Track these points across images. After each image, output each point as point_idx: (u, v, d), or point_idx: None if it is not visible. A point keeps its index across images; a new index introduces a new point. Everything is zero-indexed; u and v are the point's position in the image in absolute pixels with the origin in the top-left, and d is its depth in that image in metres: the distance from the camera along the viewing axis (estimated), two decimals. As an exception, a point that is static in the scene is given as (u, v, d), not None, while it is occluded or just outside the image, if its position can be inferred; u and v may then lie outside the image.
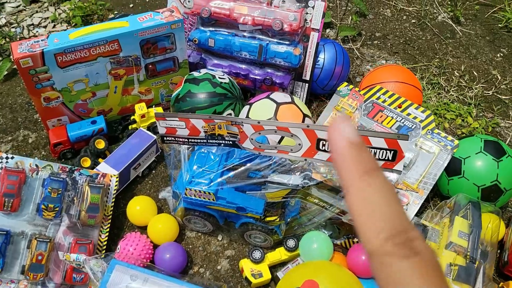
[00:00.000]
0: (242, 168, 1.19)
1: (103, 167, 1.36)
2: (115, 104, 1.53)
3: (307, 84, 1.60)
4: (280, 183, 1.17)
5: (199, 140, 1.25)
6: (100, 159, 1.43)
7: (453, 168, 1.32)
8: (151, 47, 1.45)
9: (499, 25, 2.01)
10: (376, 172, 0.27)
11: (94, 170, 1.34)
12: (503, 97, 1.72)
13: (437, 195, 1.44)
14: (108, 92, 1.49)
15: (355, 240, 1.28)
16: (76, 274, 1.20)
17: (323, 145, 1.15)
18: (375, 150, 1.14)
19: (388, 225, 0.26)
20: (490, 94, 1.73)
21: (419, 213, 1.35)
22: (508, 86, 1.76)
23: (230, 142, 1.23)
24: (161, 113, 1.21)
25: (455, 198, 1.20)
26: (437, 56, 1.86)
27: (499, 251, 1.33)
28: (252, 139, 1.19)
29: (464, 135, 1.57)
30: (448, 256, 1.11)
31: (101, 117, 1.50)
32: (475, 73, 1.80)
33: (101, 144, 1.44)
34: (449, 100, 1.69)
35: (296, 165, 1.19)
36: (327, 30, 1.94)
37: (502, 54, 1.89)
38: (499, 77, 1.79)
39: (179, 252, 1.25)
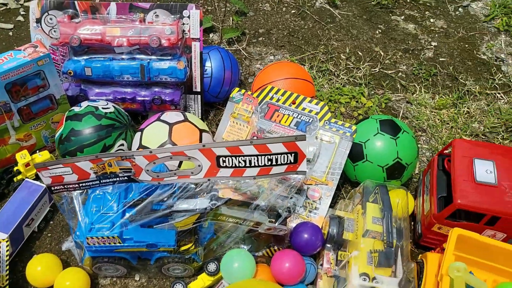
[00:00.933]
0: (144, 202, 1.11)
1: (-11, 232, 1.21)
2: (-9, 158, 1.37)
3: (199, 96, 1.54)
4: (187, 210, 1.10)
5: (90, 183, 1.14)
6: (-15, 224, 1.27)
7: (356, 153, 1.34)
8: (20, 89, 1.31)
9: (372, 3, 2.08)
10: None
11: (-21, 238, 1.19)
12: (389, 71, 1.78)
13: (346, 182, 1.45)
14: (-20, 147, 1.32)
15: (276, 248, 1.25)
16: None
17: (224, 161, 1.10)
18: (276, 156, 1.11)
19: None
20: (377, 71, 1.78)
21: (332, 204, 1.34)
22: (391, 61, 1.83)
23: (125, 178, 1.14)
24: (41, 163, 1.09)
25: (362, 184, 1.21)
26: (322, 43, 1.88)
27: (413, 223, 1.37)
28: (147, 170, 1.10)
29: (362, 117, 1.60)
30: (367, 244, 1.11)
31: (-23, 175, 1.34)
32: (360, 53, 1.84)
33: (-17, 207, 1.28)
34: (341, 84, 1.72)
35: (201, 188, 1.13)
36: (211, 35, 1.89)
37: (380, 31, 1.95)
38: (382, 53, 1.85)
39: (94, 306, 1.14)
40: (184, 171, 1.12)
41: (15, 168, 1.39)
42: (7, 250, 1.17)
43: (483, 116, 1.64)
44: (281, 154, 1.09)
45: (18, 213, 1.25)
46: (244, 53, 1.82)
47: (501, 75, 1.78)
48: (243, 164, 1.10)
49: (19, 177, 1.39)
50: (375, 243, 1.12)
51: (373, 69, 1.78)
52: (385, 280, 1.03)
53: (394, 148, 1.30)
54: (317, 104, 1.39)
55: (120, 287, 1.24)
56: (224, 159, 1.09)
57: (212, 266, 1.20)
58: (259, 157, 1.09)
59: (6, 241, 1.18)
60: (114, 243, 1.12)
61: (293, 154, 1.10)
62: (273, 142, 1.08)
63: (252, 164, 1.10)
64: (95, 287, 1.24)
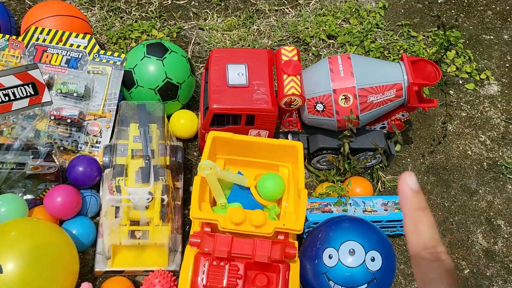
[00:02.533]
0: None
1: None
2: None
3: (-33, 50, 1.43)
4: None
5: None
6: None
7: (128, 80, 1.33)
8: None
9: None
10: (425, 209, 0.43)
11: None
12: (181, 2, 1.77)
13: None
14: None
15: (51, 186, 1.22)
16: None
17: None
18: (12, 90, 1.07)
19: (425, 241, 0.42)
20: (169, 3, 1.76)
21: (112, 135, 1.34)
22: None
23: None
24: None
25: (120, 108, 1.20)
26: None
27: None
28: None
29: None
30: (134, 164, 1.12)
31: None
32: (154, -12, 1.82)
33: None
34: (133, 20, 1.69)
35: None
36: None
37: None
38: (176, -15, 1.83)
39: None
40: None
41: None
42: None
43: (272, 32, 1.70)
44: (17, 87, 1.06)
45: None
46: None
47: (291, -8, 1.85)
48: (-22, 104, 1.05)
49: None
50: (141, 162, 1.14)
51: (165, 2, 1.76)
52: (136, 191, 1.05)
53: (162, 69, 1.31)
54: (83, 38, 1.35)
55: None
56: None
57: (-18, 218, 1.16)
58: (-7, 93, 1.05)
59: None
60: None
61: (30, 85, 1.07)
62: (3, 75, 1.04)
63: (-12, 102, 1.06)
64: None
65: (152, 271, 1.13)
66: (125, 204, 1.05)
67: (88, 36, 1.35)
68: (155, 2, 1.75)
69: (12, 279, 0.96)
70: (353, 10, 1.78)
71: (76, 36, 1.36)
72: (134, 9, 1.73)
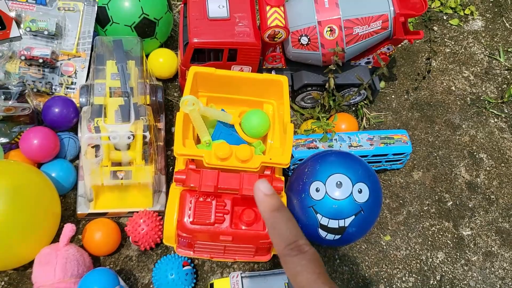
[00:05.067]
0: None
1: None
2: None
3: None
4: None
5: None
6: None
7: (102, 17, 1.26)
8: None
9: None
10: (280, 209, 0.47)
11: None
12: None
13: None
14: None
15: (26, 129, 1.17)
16: None
17: None
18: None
19: (285, 239, 0.46)
20: None
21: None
22: None
23: None
24: None
25: (94, 44, 1.14)
26: None
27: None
28: None
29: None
30: (114, 102, 1.08)
31: None
32: None
33: None
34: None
35: None
36: None
37: None
38: None
39: None
40: None
41: None
42: None
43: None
44: (-19, 20, 0.99)
45: None
46: None
47: None
48: None
49: None
50: (120, 100, 1.09)
51: None
52: (116, 129, 1.01)
53: (138, 4, 1.24)
54: (50, -29, 1.26)
55: None
56: None
57: (-45, 162, 1.11)
58: (-44, 28, 0.98)
59: None
60: None
61: (-4, 19, 1.00)
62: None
63: (-49, 38, 0.98)
64: None
65: (137, 212, 1.11)
66: (105, 142, 1.01)
67: (56, -30, 1.26)
68: None
69: (-8, 221, 0.92)
70: None
71: (43, -30, 1.27)
72: None
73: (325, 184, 1.03)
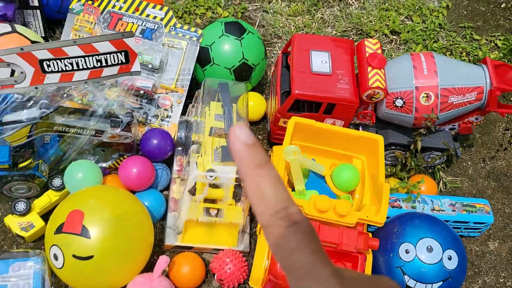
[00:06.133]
0: (-35, 117, 1.02)
1: None
2: None
3: (38, 11, 1.41)
4: (15, 121, 1.03)
5: None
6: None
7: (203, 57, 1.32)
8: None
9: None
10: (265, 165, 0.35)
11: None
12: (247, -18, 1.75)
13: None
14: None
15: (126, 156, 1.22)
16: None
17: (48, 65, 1.03)
18: (105, 56, 1.06)
19: (273, 205, 0.34)
20: (234, -19, 1.75)
21: (186, 112, 1.33)
22: (250, -29, 1.80)
23: None
24: None
25: (203, 84, 1.20)
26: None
27: (266, 124, 1.41)
28: (-38, 81, 1.01)
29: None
30: (212, 141, 1.12)
31: None
32: (217, -35, 1.79)
33: None
34: (197, -5, 1.67)
35: (28, 97, 1.06)
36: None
37: None
38: (240, -36, 1.81)
39: None
40: (7, 80, 1.03)
41: None
42: None
43: (336, 21, 1.69)
44: (110, 53, 1.05)
45: None
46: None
47: (354, -17, 1.83)
48: (71, 68, 1.04)
49: None
50: (220, 141, 1.14)
51: (230, -20, 1.74)
52: (222, 169, 1.05)
53: (240, 49, 1.30)
54: (161, 9, 1.34)
55: (-42, 216, 1.15)
56: (48, 63, 1.02)
57: (57, 181, 1.15)
58: (87, 58, 1.04)
59: None
60: None
61: (123, 53, 1.05)
62: (99, 40, 1.03)
63: (80, 67, 1.04)
64: None
65: (221, 249, 1.14)
66: (212, 181, 1.05)
67: (165, 8, 1.34)
68: (219, -21, 1.73)
69: (97, 245, 0.96)
70: (416, 8, 1.77)
71: (154, 7, 1.34)
72: (199, -16, 1.71)
73: (415, 247, 1.05)
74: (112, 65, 1.06)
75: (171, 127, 1.30)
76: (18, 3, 1.39)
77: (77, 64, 1.04)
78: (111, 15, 1.34)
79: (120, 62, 1.06)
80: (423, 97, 1.19)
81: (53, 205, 1.16)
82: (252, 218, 1.24)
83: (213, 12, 1.64)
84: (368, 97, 1.19)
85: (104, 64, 1.05)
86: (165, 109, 1.31)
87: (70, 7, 1.34)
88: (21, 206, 1.11)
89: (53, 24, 1.50)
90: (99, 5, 1.34)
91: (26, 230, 1.10)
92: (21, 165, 1.11)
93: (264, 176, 0.34)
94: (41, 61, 1.02)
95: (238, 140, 0.35)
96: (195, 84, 1.38)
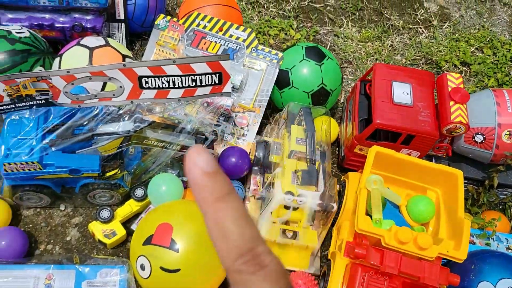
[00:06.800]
0: (64, 126, 1.07)
1: None
2: None
3: (123, 24, 1.48)
4: (110, 133, 1.08)
5: (5, 107, 1.08)
6: None
7: (282, 80, 1.35)
8: None
9: None
10: (227, 197, 0.30)
11: None
12: (318, 5, 1.78)
13: (275, 111, 1.47)
14: None
15: (204, 172, 1.26)
16: None
17: (146, 82, 1.08)
18: (200, 76, 1.10)
19: (236, 246, 0.29)
20: (306, 4, 1.78)
21: (260, 131, 1.36)
22: (321, -6, 1.83)
23: (43, 101, 1.08)
24: None
25: (287, 108, 1.23)
26: (252, -25, 1.84)
27: (337, 148, 1.42)
28: (66, 92, 1.06)
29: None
30: (291, 164, 1.15)
31: None
32: (289, -13, 1.83)
33: None
34: (270, 16, 1.71)
35: (124, 110, 1.11)
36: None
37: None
38: (311, -13, 1.85)
39: (15, 235, 1.11)
40: (105, 93, 1.08)
41: None
42: None
43: (405, 49, 1.70)
44: (205, 74, 1.08)
45: None
46: (171, -17, 1.76)
47: (423, 11, 1.84)
48: (167, 85, 1.08)
49: None
50: (299, 164, 1.16)
51: (302, 2, 1.78)
52: (307, 194, 1.07)
53: (319, 74, 1.32)
54: (244, 31, 1.38)
55: (44, 217, 1.21)
56: (146, 79, 1.07)
57: (139, 192, 1.20)
58: (183, 77, 1.08)
59: None
60: (34, 169, 1.08)
61: (217, 75, 1.09)
62: (197, 61, 1.07)
63: (176, 85, 1.09)
64: (17, 218, 1.20)
65: (293, 271, 1.15)
66: (295, 205, 1.07)
67: (248, 30, 1.38)
68: (292, 1, 1.77)
69: (184, 258, 0.99)
70: (487, 40, 1.77)
71: (237, 28, 1.38)
72: (272, 5, 1.75)
73: (495, 287, 1.05)
74: (206, 85, 1.10)
75: (246, 145, 1.33)
76: (107, 16, 1.45)
77: (174, 82, 1.08)
78: (195, 33, 1.39)
79: (213, 83, 1.10)
80: (505, 134, 1.19)
81: (133, 214, 1.21)
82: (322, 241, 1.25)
83: (285, 34, 1.67)
84: (449, 131, 1.20)
85: (198, 84, 1.09)
86: (241, 128, 1.34)
87: (155, 22, 1.40)
88: (105, 213, 1.16)
89: (134, 37, 1.56)
90: (184, 23, 1.39)
91: (108, 237, 1.15)
92: (108, 174, 1.15)
93: (226, 211, 0.30)
94: (140, 77, 1.06)
95: (196, 167, 0.30)
96: (269, 105, 1.41)
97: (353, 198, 1.19)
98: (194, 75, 1.09)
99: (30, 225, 1.19)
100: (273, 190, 1.09)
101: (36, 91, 1.05)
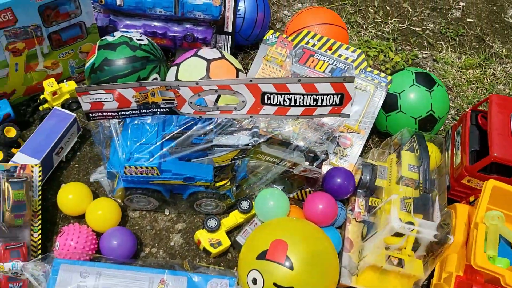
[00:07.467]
0: (185, 135, 1.10)
1: (20, 157, 1.19)
2: (18, 84, 1.33)
3: (230, 37, 1.51)
4: (229, 145, 1.10)
5: (130, 112, 1.12)
6: (13, 149, 1.24)
7: (390, 103, 1.34)
8: (52, 13, 1.26)
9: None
10: None
11: (10, 163, 1.17)
12: (417, 28, 1.76)
13: (374, 133, 1.45)
14: (8, 71, 1.28)
15: (308, 190, 1.26)
16: (13, 283, 1.05)
17: (269, 98, 1.09)
18: (322, 96, 1.10)
19: None
20: (405, 27, 1.76)
21: (362, 153, 1.35)
22: (419, 18, 1.81)
23: (167, 109, 1.12)
24: (82, 87, 1.06)
25: (400, 133, 1.21)
26: (350, -6, 1.85)
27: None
28: (191, 102, 1.09)
29: (390, 71, 1.59)
30: (400, 191, 1.13)
31: (4, 101, 1.30)
32: (388, 8, 1.82)
33: (11, 132, 1.25)
34: (369, 37, 1.70)
35: (242, 124, 1.12)
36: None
37: (408, -13, 1.93)
38: (410, 10, 1.83)
39: (127, 236, 1.14)
40: (227, 106, 1.10)
41: (42, 97, 1.35)
42: (39, 176, 1.15)
43: (509, 79, 1.65)
44: (327, 94, 1.09)
45: (49, 140, 1.23)
46: (272, -2, 1.78)
47: (526, 40, 1.79)
48: (288, 103, 1.09)
49: (45, 105, 1.36)
50: (407, 190, 1.14)
51: (401, 25, 1.76)
52: (425, 224, 1.05)
53: (429, 100, 1.30)
54: (353, 51, 1.38)
55: (150, 220, 1.24)
56: (269, 96, 1.08)
57: (245, 204, 1.21)
58: (305, 96, 1.08)
59: (39, 167, 1.16)
60: (152, 174, 1.11)
61: (339, 96, 1.09)
62: (321, 81, 1.07)
63: (297, 104, 1.09)
64: (125, 219, 1.23)
65: (394, 299, 1.13)
66: (410, 234, 1.05)
67: (358, 51, 1.37)
68: (391, 23, 1.75)
69: (298, 276, 0.99)
70: None
71: (347, 49, 1.38)
72: (371, 26, 1.74)
73: None
74: (326, 105, 1.11)
75: (347, 166, 1.32)
76: (215, 28, 1.49)
77: (295, 100, 1.09)
78: (304, 50, 1.40)
79: (334, 103, 1.10)
80: None
81: (237, 225, 1.22)
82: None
83: (384, 56, 1.66)
84: None
85: (319, 103, 1.10)
86: (344, 148, 1.34)
87: (264, 38, 1.42)
88: (212, 223, 1.18)
89: (236, 49, 1.59)
90: (293, 40, 1.41)
91: (214, 247, 1.16)
92: (218, 184, 1.17)
93: None
94: (263, 94, 1.08)
95: None
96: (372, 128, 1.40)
97: (461, 231, 1.15)
98: (316, 94, 1.09)
99: (136, 227, 1.23)
100: (389, 216, 1.08)
101: (163, 99, 1.08)
